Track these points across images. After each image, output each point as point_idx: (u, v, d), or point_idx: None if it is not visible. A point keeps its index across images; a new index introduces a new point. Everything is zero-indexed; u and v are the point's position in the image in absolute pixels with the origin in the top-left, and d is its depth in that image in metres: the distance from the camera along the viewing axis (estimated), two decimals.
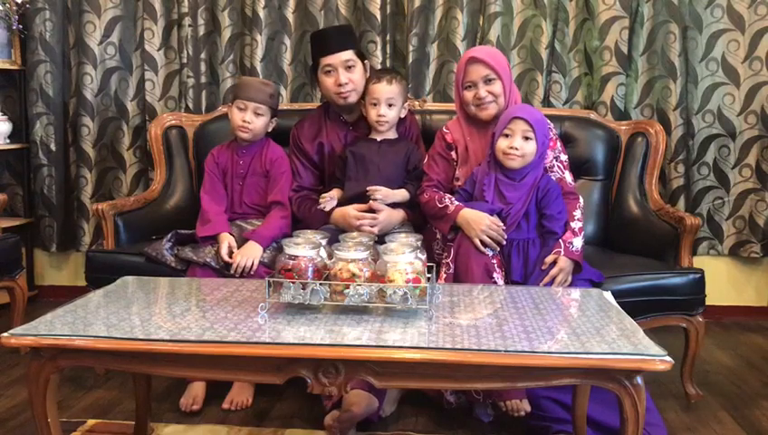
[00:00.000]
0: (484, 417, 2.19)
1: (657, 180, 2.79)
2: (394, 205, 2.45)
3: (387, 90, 2.46)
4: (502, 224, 2.16)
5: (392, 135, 2.55)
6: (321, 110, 2.71)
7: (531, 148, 2.18)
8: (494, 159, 2.23)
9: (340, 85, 2.53)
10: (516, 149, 2.17)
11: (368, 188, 2.41)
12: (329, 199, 2.45)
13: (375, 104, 2.48)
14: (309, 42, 2.78)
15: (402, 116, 2.55)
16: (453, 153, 2.41)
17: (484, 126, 2.36)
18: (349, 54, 2.55)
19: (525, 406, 2.04)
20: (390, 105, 2.48)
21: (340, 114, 2.65)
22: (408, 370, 1.48)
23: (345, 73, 2.53)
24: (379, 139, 2.53)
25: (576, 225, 2.22)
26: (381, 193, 2.40)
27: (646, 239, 2.59)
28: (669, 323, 2.34)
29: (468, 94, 2.35)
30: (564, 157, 2.38)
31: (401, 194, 2.45)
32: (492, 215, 2.16)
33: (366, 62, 2.64)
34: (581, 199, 2.32)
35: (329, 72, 2.56)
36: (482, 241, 2.15)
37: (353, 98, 2.56)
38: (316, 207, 2.50)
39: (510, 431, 2.13)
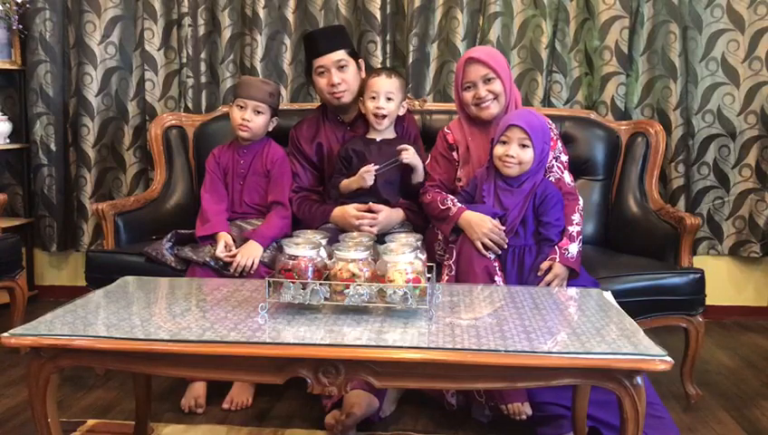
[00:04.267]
0: (481, 417, 2.19)
1: (657, 180, 2.79)
2: (394, 205, 2.46)
3: (386, 83, 2.46)
4: (504, 227, 2.16)
5: (390, 135, 2.55)
6: (319, 111, 2.71)
7: (528, 155, 2.16)
8: (493, 165, 2.23)
9: (332, 85, 2.53)
10: (512, 157, 2.16)
11: (398, 147, 2.42)
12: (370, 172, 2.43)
13: (374, 97, 2.46)
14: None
15: (401, 114, 2.55)
16: (454, 153, 2.41)
17: (486, 126, 2.36)
18: (340, 54, 2.55)
19: (526, 409, 2.04)
20: (389, 99, 2.47)
21: (338, 115, 2.65)
22: (408, 370, 1.48)
23: (338, 73, 2.53)
24: (378, 139, 2.52)
25: (574, 229, 2.20)
26: (410, 153, 2.41)
27: (646, 239, 2.58)
28: (669, 324, 2.34)
29: (468, 95, 2.35)
30: (565, 157, 2.38)
31: (421, 165, 2.45)
32: (494, 218, 2.16)
33: (360, 60, 2.64)
34: (581, 200, 2.31)
35: (321, 72, 2.56)
36: (483, 244, 2.14)
37: (347, 98, 2.56)
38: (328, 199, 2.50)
39: (510, 432, 2.13)
